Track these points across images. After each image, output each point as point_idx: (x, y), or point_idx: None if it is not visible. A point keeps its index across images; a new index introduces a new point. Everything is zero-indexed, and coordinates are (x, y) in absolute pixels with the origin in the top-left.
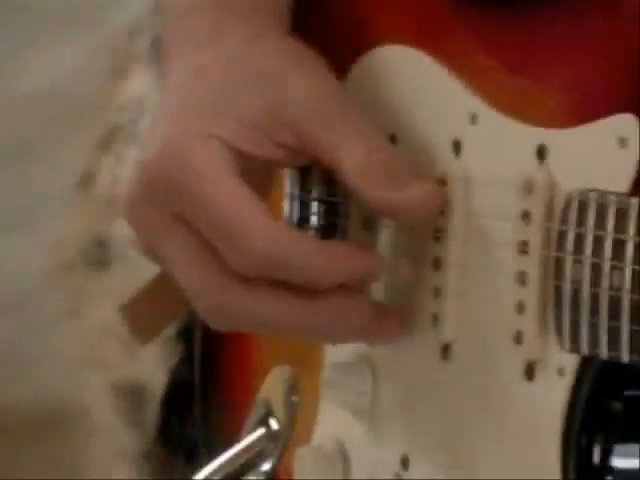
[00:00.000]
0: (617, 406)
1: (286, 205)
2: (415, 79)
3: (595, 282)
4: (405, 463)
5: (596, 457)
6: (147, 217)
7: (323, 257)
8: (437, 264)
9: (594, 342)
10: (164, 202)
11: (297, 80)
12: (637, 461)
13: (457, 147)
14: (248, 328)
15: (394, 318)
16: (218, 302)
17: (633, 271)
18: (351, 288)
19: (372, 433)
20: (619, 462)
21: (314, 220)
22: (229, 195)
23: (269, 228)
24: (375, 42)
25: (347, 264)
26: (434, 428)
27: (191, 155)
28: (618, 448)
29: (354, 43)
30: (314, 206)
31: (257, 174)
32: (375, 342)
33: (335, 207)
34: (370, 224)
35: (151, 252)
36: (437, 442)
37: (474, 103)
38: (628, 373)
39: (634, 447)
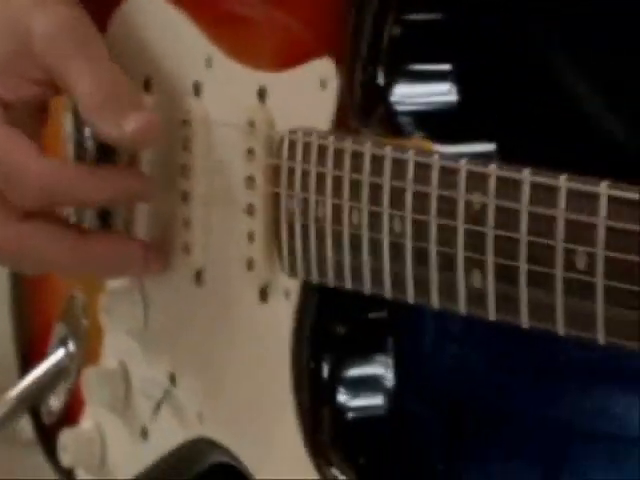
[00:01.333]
0: (341, 326)
1: (64, 145)
2: (160, 26)
3: (309, 214)
4: (173, 379)
5: (325, 373)
6: None
7: (92, 179)
8: (185, 198)
9: (320, 272)
10: None
11: (40, 17)
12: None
13: (197, 89)
14: (24, 267)
15: (156, 253)
16: None
17: (332, 204)
18: (120, 232)
19: (146, 354)
20: (347, 375)
21: (91, 158)
22: (1, 143)
23: (39, 161)
24: None
25: (116, 184)
26: (194, 348)
27: None
28: (345, 363)
29: None
30: (89, 145)
31: (27, 113)
32: (141, 275)
33: (107, 145)
34: (135, 160)
35: None
36: (198, 361)
37: (209, 47)
38: (352, 296)
39: (359, 362)
